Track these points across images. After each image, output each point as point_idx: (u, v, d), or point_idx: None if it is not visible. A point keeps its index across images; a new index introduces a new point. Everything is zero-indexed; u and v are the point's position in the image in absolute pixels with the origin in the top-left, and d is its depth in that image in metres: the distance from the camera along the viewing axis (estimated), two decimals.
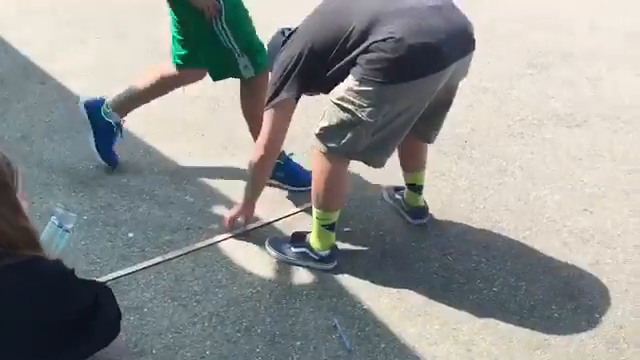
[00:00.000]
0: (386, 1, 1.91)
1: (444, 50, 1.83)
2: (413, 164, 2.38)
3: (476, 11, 4.68)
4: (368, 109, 1.86)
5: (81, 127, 2.85)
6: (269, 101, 2.08)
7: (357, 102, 1.87)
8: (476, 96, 3.46)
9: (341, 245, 2.29)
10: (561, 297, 2.10)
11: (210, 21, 2.31)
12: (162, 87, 2.68)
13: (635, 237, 2.39)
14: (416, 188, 2.40)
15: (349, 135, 1.92)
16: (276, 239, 2.32)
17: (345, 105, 1.90)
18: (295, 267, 2.23)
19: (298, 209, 2.53)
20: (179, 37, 2.54)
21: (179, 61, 2.58)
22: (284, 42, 2.09)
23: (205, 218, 2.48)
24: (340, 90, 1.92)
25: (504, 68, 3.87)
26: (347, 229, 2.40)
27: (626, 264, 2.26)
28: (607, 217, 2.51)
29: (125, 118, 2.74)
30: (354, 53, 1.87)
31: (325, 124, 1.97)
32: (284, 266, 2.23)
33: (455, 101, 2.19)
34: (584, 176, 2.77)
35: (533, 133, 3.14)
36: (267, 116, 2.10)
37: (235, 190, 2.61)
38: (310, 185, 2.15)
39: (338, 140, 1.95)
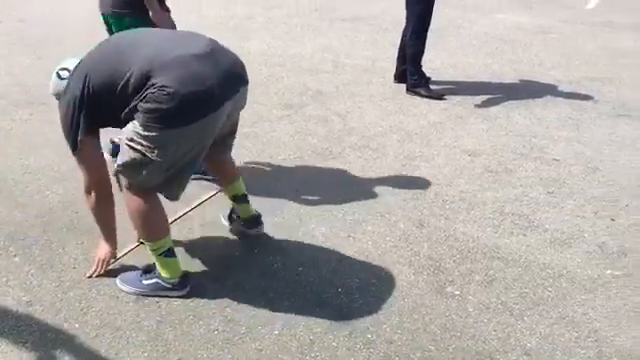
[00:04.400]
0: (159, 50, 2.05)
1: (216, 93, 2.02)
2: (227, 177, 2.58)
3: None
4: (156, 150, 2.02)
5: None
6: (73, 150, 2.16)
7: (145, 144, 2.02)
8: (240, 142, 3.49)
9: (112, 321, 2.12)
10: (337, 325, 2.20)
11: None
12: None
13: (393, 254, 2.62)
14: (240, 198, 2.59)
15: (144, 172, 2.08)
16: (126, 274, 2.34)
17: (135, 146, 2.04)
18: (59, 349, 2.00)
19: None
20: None
21: None
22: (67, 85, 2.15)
23: None
24: (129, 132, 2.05)
25: (264, 112, 4.04)
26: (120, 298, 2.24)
27: (388, 281, 2.45)
28: (368, 240, 2.72)
29: None
30: (135, 99, 2.00)
31: (121, 161, 2.10)
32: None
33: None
34: (344, 205, 2.98)
35: (296, 171, 3.29)
36: (80, 161, 2.20)
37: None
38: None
39: (135, 176, 2.10)
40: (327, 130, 3.85)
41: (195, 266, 2.47)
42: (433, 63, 4.97)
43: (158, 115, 1.96)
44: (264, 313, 2.25)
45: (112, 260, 2.44)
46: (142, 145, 2.02)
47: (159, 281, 2.28)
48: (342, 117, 4.05)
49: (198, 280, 2.39)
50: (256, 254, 2.59)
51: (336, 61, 5.16)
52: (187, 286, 2.31)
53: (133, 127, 2.03)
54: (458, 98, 4.41)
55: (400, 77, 4.62)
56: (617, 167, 3.42)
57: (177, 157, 2.07)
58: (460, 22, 6.52)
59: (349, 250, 2.64)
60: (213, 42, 2.14)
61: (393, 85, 4.63)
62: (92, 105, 2.08)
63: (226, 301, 2.30)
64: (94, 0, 3.09)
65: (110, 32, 3.01)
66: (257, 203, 2.94)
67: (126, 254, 2.53)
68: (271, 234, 2.73)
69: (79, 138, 2.11)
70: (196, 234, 2.71)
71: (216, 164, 2.54)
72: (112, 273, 2.40)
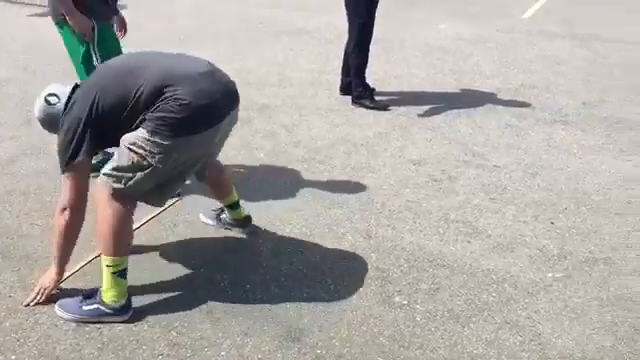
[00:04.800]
0: (168, 68, 2.17)
1: (220, 107, 2.20)
2: (223, 192, 2.75)
3: None
4: (158, 156, 2.09)
5: None
6: (67, 165, 2.15)
7: (148, 149, 2.09)
8: None
9: (51, 351, 2.03)
10: (285, 343, 2.17)
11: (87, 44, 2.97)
12: None
13: (341, 267, 2.62)
14: (234, 205, 2.77)
15: (138, 176, 2.13)
16: (65, 301, 2.27)
17: (137, 150, 2.09)
18: None
19: (84, 263, 2.53)
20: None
21: None
22: (66, 105, 2.20)
23: None
24: (131, 137, 2.11)
25: None
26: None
27: (337, 294, 2.45)
28: (316, 253, 2.71)
29: None
30: (144, 112, 2.10)
31: (115, 165, 2.14)
32: None
33: None
34: (292, 219, 2.96)
35: (244, 186, 3.26)
36: (68, 179, 2.19)
37: None
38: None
39: (125, 181, 2.13)
40: (274, 143, 3.83)
41: (138, 287, 2.39)
42: (377, 74, 5.04)
43: (169, 122, 2.07)
44: (210, 334, 2.20)
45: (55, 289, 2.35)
46: (145, 150, 2.09)
47: (100, 306, 2.21)
48: (289, 130, 4.05)
49: (142, 302, 2.32)
50: (202, 273, 2.54)
51: (282, 74, 5.16)
52: (129, 311, 2.25)
53: (138, 132, 2.10)
54: (402, 108, 4.47)
55: (345, 89, 4.66)
56: (555, 172, 3.54)
57: (176, 164, 2.17)
58: (402, 34, 6.65)
59: (297, 265, 2.62)
60: (210, 63, 2.29)
61: (339, 97, 4.67)
62: (99, 125, 2.13)
63: (171, 324, 2.24)
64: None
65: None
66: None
67: (67, 278, 2.44)
68: (217, 251, 2.69)
69: (79, 158, 2.14)
70: (140, 253, 2.64)
71: (214, 180, 2.68)
72: (51, 299, 2.31)
